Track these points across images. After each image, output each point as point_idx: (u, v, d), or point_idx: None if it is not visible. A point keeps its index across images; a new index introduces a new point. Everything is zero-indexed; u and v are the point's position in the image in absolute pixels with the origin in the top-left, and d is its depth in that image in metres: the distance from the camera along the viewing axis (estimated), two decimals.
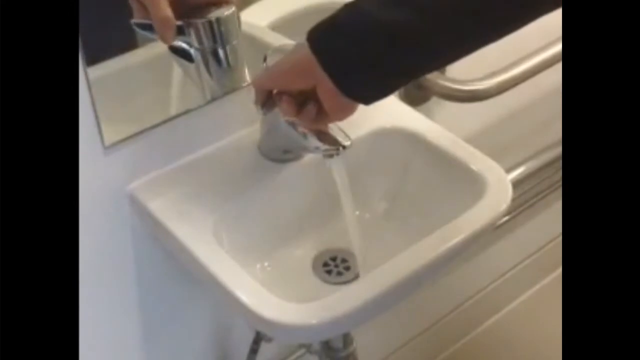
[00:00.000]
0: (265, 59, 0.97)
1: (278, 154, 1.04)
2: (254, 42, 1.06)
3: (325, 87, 0.80)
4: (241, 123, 1.08)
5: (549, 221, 1.75)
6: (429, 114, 1.24)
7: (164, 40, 0.93)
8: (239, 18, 0.98)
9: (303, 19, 1.11)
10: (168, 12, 0.90)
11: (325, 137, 0.96)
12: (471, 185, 1.01)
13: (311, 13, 1.13)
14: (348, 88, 0.80)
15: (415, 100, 1.27)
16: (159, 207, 0.98)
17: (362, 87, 0.80)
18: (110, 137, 0.95)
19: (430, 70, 0.88)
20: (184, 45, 0.98)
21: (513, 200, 1.00)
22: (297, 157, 1.05)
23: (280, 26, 1.08)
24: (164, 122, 1.00)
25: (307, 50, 0.80)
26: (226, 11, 0.95)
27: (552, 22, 0.83)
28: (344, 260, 1.08)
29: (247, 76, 1.05)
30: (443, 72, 1.28)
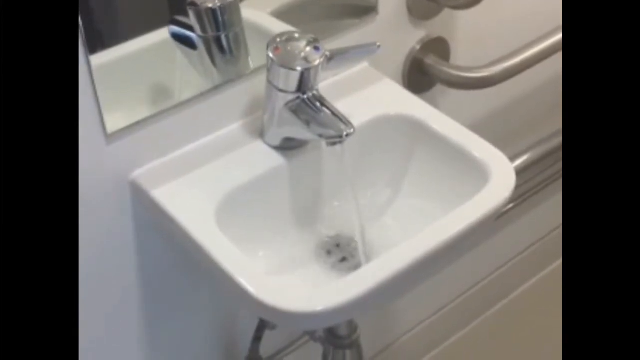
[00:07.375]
0: (268, 47, 0.97)
1: (281, 141, 1.04)
2: (257, 30, 1.05)
3: None
4: (244, 111, 1.07)
5: (551, 210, 1.74)
6: (433, 102, 1.23)
7: None
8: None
9: (306, 7, 1.11)
10: None
11: (328, 124, 0.96)
12: (475, 172, 1.01)
13: (314, 1, 1.12)
14: None
15: (420, 87, 1.26)
16: (162, 195, 0.98)
17: None
18: (112, 125, 0.95)
19: None
20: (187, 33, 0.97)
21: (516, 188, 1.00)
22: (300, 144, 1.04)
23: (284, 14, 1.08)
24: (167, 110, 1.00)
25: None
26: None
27: (558, 9, 0.83)
28: (348, 247, 1.07)
29: (250, 64, 1.05)
30: (447, 60, 1.28)
